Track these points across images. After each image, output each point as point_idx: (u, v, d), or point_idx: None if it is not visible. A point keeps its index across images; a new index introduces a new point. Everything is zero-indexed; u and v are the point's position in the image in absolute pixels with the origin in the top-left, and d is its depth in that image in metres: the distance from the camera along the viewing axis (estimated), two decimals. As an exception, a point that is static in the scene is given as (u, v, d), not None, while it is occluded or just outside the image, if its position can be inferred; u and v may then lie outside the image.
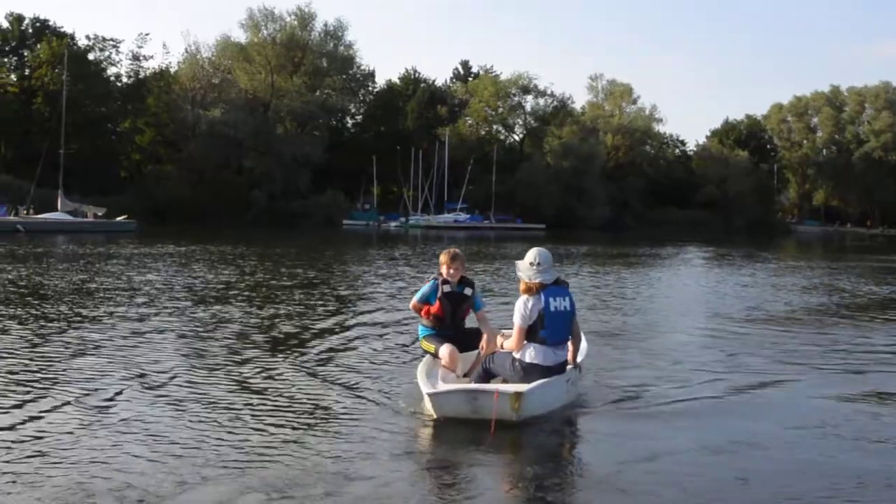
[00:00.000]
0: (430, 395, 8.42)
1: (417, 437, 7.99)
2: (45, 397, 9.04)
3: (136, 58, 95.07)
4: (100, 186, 77.84)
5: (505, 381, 8.77)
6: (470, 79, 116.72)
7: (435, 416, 8.32)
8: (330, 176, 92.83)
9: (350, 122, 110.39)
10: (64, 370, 10.54)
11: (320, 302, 19.02)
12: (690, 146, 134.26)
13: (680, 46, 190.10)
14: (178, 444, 7.41)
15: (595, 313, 17.71)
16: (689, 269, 36.15)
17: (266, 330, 14.51)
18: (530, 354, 8.65)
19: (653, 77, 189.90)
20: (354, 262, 35.12)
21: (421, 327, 9.80)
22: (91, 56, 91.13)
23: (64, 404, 8.74)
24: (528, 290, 8.67)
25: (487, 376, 8.98)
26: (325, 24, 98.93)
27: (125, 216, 61.69)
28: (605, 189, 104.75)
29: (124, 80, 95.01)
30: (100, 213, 62.03)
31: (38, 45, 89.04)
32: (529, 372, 8.60)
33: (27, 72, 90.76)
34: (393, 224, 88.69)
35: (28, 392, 9.28)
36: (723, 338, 14.74)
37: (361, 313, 17.12)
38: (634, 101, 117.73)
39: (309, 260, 34.21)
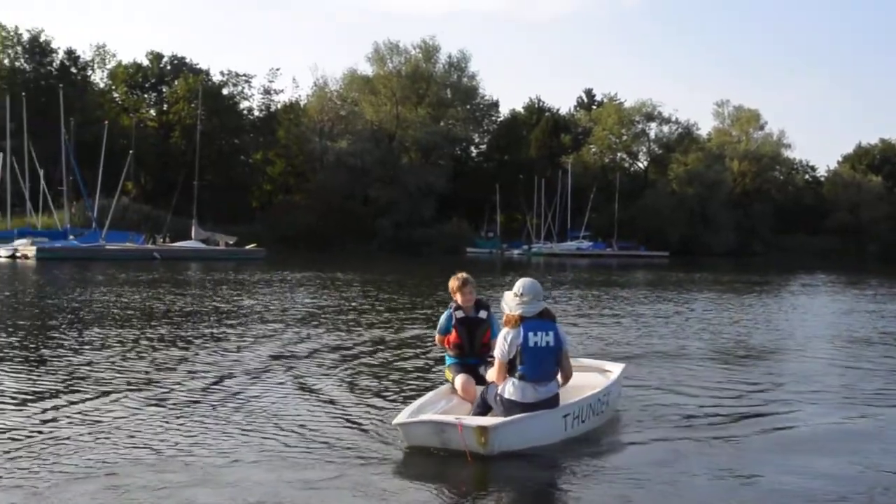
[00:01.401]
0: (398, 424, 8.34)
1: (385, 467, 7.74)
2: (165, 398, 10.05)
3: (267, 92, 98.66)
4: (232, 216, 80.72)
5: (496, 414, 8.50)
6: (594, 107, 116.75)
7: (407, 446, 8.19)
8: (454, 204, 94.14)
9: (474, 151, 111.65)
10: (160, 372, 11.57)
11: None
12: (821, 171, 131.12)
13: (809, 70, 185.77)
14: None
15: (720, 338, 18.08)
16: (820, 297, 35.23)
17: (334, 349, 15.36)
18: (509, 390, 8.37)
19: (781, 102, 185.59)
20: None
21: (447, 357, 9.60)
22: (225, 91, 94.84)
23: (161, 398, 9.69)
24: (509, 323, 8.43)
25: (485, 407, 8.66)
26: (449, 56, 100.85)
27: (254, 244, 63.88)
28: (732, 215, 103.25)
29: (256, 113, 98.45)
30: (231, 242, 64.49)
31: (176, 82, 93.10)
32: (509, 408, 8.32)
33: (165, 107, 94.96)
34: (516, 252, 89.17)
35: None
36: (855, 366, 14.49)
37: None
38: (762, 127, 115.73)
39: (429, 287, 34.98)
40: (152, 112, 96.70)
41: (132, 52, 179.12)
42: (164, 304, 23.78)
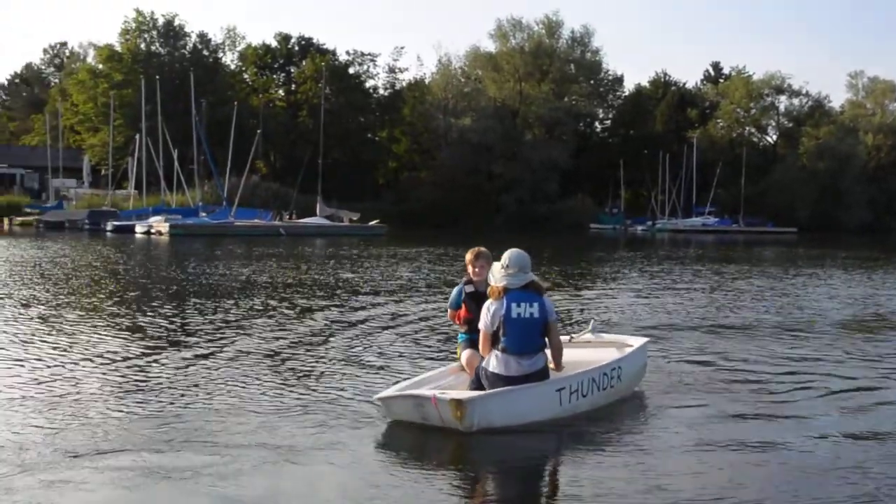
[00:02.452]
0: (379, 398, 8.38)
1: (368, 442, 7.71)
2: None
3: (391, 70, 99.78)
4: (357, 193, 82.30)
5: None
6: (721, 80, 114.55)
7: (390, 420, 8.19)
8: (578, 180, 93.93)
9: (598, 126, 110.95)
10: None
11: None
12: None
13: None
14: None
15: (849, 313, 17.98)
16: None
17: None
18: (492, 363, 8.22)
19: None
20: (594, 263, 36.21)
21: (459, 333, 9.33)
22: (351, 70, 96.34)
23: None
24: (493, 294, 8.27)
25: (479, 383, 8.40)
26: (573, 31, 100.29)
27: (377, 221, 65.15)
28: (865, 190, 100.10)
29: (381, 91, 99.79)
30: (354, 218, 66.00)
31: (303, 62, 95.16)
32: (493, 382, 8.16)
33: (293, 87, 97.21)
34: (640, 228, 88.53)
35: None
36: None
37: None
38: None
39: (538, 263, 35.40)
40: (281, 92, 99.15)
41: (261, 34, 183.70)
42: (273, 276, 24.97)
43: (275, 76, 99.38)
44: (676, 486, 6.59)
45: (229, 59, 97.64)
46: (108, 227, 58.51)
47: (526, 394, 8.11)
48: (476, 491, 6.77)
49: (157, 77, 66.95)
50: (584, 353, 9.69)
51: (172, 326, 14.50)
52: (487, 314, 8.21)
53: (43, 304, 17.30)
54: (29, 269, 26.64)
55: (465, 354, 8.93)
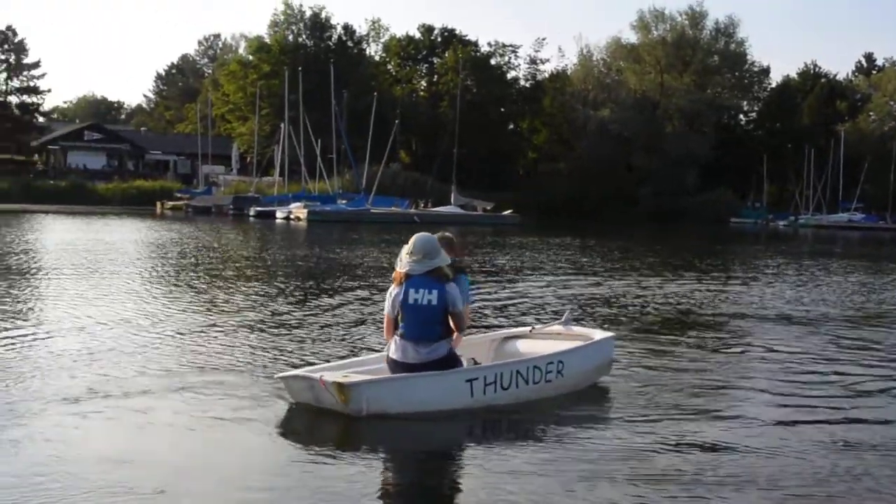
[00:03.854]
0: (279, 377, 8.44)
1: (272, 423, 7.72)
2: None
3: (533, 61, 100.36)
4: (495, 183, 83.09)
5: None
6: (874, 72, 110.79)
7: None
8: (719, 173, 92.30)
9: (742, 119, 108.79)
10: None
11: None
12: None
13: None
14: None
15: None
16: None
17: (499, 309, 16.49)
18: (391, 349, 8.23)
19: None
20: (734, 255, 36.04)
21: None
22: (493, 61, 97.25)
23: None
24: (395, 280, 8.23)
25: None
26: (717, 22, 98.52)
27: (510, 211, 65.75)
28: None
29: (522, 83, 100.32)
30: (488, 208, 66.87)
31: (446, 53, 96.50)
32: (393, 367, 8.19)
33: (435, 78, 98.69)
34: (781, 223, 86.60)
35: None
36: None
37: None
38: None
39: (668, 255, 35.40)
40: (423, 83, 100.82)
41: (404, 25, 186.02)
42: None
43: (418, 67, 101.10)
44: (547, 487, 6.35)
45: (373, 50, 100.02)
46: (251, 213, 61.07)
47: (425, 382, 7.97)
48: (357, 477, 6.48)
49: (300, 69, 69.14)
50: (539, 346, 9.44)
51: (288, 298, 15.61)
52: (389, 299, 8.23)
53: (174, 277, 19.00)
54: (172, 247, 28.62)
55: None
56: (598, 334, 9.85)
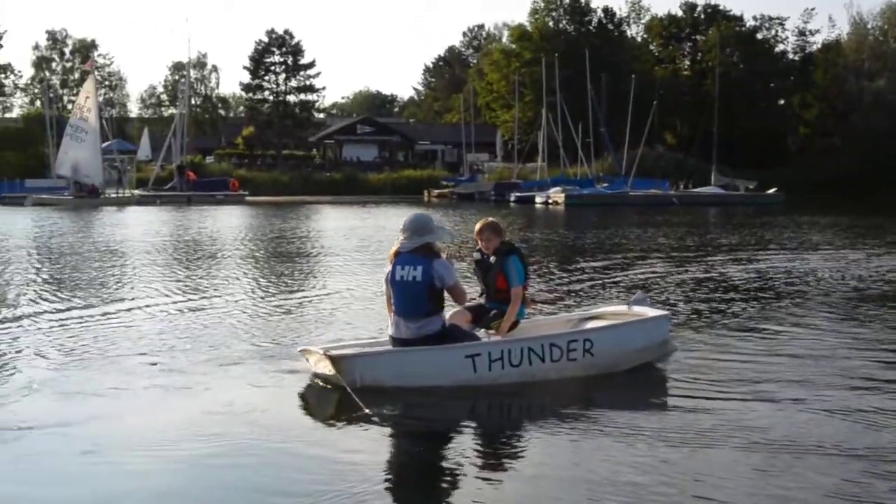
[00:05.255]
0: (299, 350, 8.71)
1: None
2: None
3: (801, 33, 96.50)
4: (763, 161, 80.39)
5: None
6: None
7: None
8: None
9: None
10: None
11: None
12: None
13: None
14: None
15: None
16: None
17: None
18: (389, 325, 8.49)
19: None
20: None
21: None
22: (759, 36, 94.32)
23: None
24: (389, 258, 8.44)
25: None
26: None
27: (775, 189, 63.63)
28: None
29: (791, 56, 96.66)
30: (750, 187, 65.06)
31: (709, 30, 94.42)
32: (392, 343, 8.43)
33: (699, 56, 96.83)
34: None
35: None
36: None
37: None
38: None
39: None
40: (686, 62, 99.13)
41: (665, 4, 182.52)
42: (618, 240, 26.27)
43: (680, 46, 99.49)
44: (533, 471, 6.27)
45: (633, 31, 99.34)
46: (511, 198, 62.46)
47: (420, 356, 8.14)
48: (340, 445, 6.71)
49: (556, 54, 69.86)
50: (595, 325, 9.40)
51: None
52: (385, 276, 8.47)
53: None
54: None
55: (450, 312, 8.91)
56: (651, 314, 9.56)
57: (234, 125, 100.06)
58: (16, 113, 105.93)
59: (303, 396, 8.02)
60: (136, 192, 62.72)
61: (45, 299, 13.94)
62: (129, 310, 12.79)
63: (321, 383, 8.20)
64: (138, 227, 34.58)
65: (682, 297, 14.31)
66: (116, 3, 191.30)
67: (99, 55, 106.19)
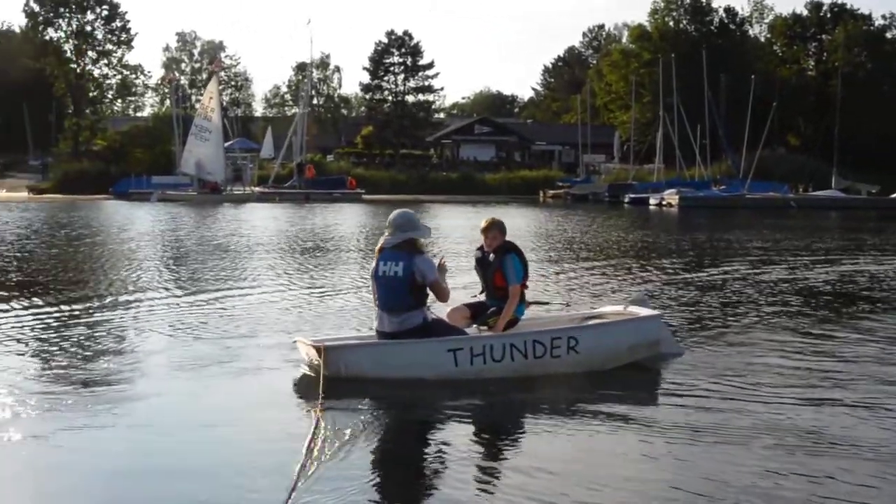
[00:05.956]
0: (293, 341, 9.02)
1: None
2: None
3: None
4: (887, 164, 78.06)
5: None
6: None
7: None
8: None
9: None
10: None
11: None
12: None
13: None
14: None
15: None
16: None
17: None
18: (375, 318, 8.82)
19: None
20: None
21: None
22: (888, 35, 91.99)
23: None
24: (375, 255, 8.73)
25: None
26: None
27: (897, 193, 61.91)
28: None
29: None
30: (873, 191, 63.55)
31: (836, 30, 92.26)
32: (377, 336, 8.71)
33: (824, 56, 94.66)
34: None
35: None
36: None
37: None
38: None
39: None
40: (811, 62, 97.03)
41: (791, 3, 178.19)
42: (739, 245, 26.20)
43: (805, 46, 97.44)
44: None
45: (756, 31, 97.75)
46: (626, 200, 62.27)
47: (402, 349, 8.48)
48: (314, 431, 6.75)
49: (673, 55, 69.31)
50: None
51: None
52: (371, 272, 8.80)
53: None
54: (545, 230, 30.51)
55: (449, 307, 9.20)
56: (643, 313, 9.57)
57: (354, 125, 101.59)
58: (146, 112, 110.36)
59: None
60: (256, 189, 64.73)
61: (165, 287, 15.28)
62: (266, 293, 14.62)
63: (312, 373, 8.43)
64: (254, 222, 36.10)
65: (750, 299, 14.44)
66: (244, 5, 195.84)
67: (226, 56, 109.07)
